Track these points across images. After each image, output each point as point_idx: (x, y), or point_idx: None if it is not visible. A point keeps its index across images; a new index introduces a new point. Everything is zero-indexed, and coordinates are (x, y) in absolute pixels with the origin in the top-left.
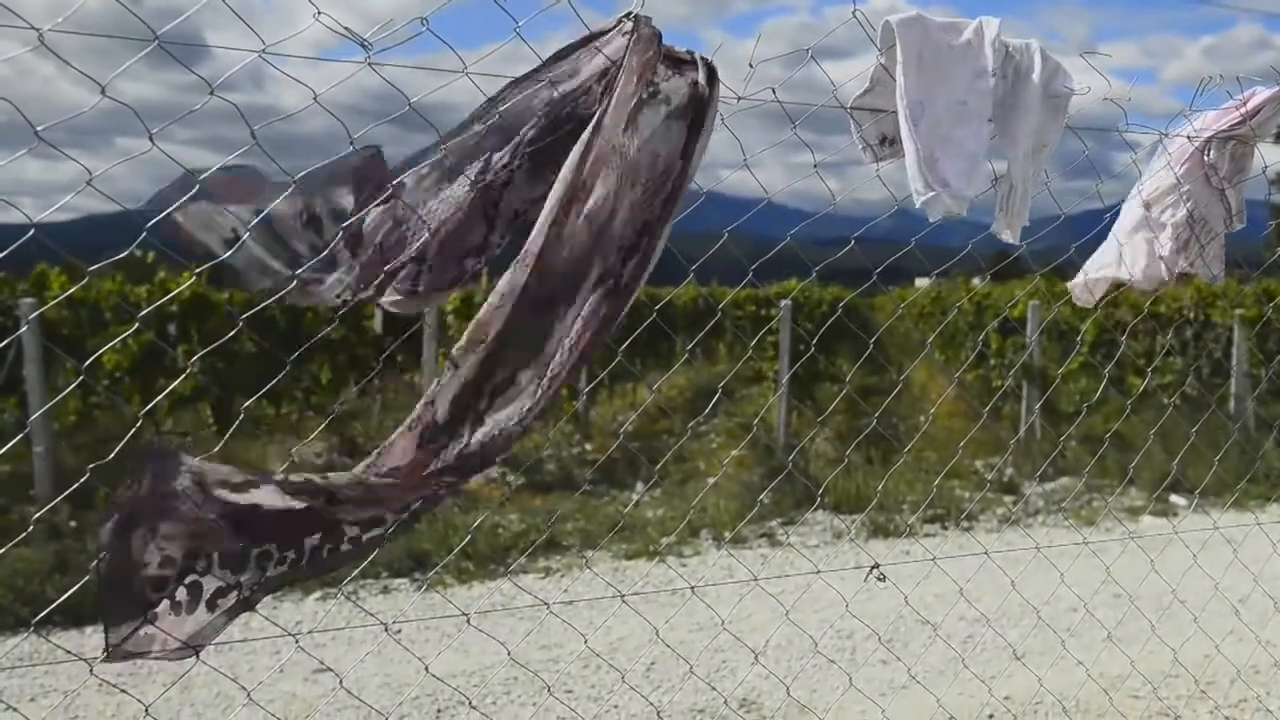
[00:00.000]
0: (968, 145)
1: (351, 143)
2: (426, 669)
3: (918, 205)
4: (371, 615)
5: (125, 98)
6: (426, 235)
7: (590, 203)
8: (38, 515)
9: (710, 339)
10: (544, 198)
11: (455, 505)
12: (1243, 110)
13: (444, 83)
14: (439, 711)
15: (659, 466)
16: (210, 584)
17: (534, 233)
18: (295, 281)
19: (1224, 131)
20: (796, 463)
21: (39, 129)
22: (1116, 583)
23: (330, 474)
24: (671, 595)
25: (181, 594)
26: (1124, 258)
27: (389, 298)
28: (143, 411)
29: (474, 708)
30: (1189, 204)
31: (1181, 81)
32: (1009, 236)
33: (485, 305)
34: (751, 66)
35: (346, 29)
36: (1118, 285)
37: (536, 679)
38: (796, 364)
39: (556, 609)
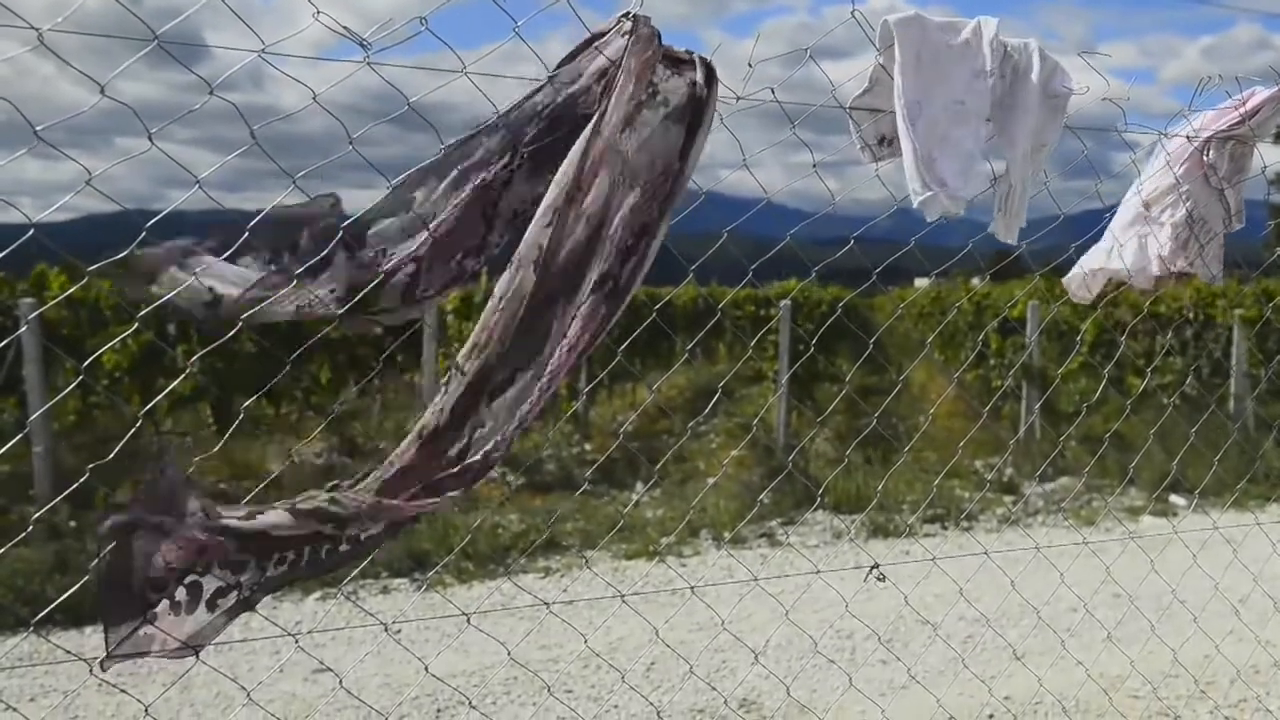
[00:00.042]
0: (965, 145)
1: (351, 142)
2: (426, 669)
3: (915, 205)
4: (371, 615)
5: (125, 97)
6: (425, 235)
7: (589, 204)
8: (37, 515)
9: (710, 339)
10: (543, 198)
11: (455, 505)
12: (1242, 110)
13: (443, 82)
14: (439, 711)
15: (659, 466)
16: (210, 584)
17: (528, 234)
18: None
19: (1223, 131)
20: (796, 463)
21: (39, 129)
22: (1116, 583)
23: (339, 498)
24: (671, 595)
25: (181, 594)
26: (1115, 252)
27: (388, 301)
28: (143, 411)
29: (474, 708)
30: (1188, 204)
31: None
32: (1007, 237)
33: (486, 309)
34: (750, 66)
35: (346, 29)
36: (1118, 285)
37: (536, 679)
38: (796, 364)
39: (556, 609)
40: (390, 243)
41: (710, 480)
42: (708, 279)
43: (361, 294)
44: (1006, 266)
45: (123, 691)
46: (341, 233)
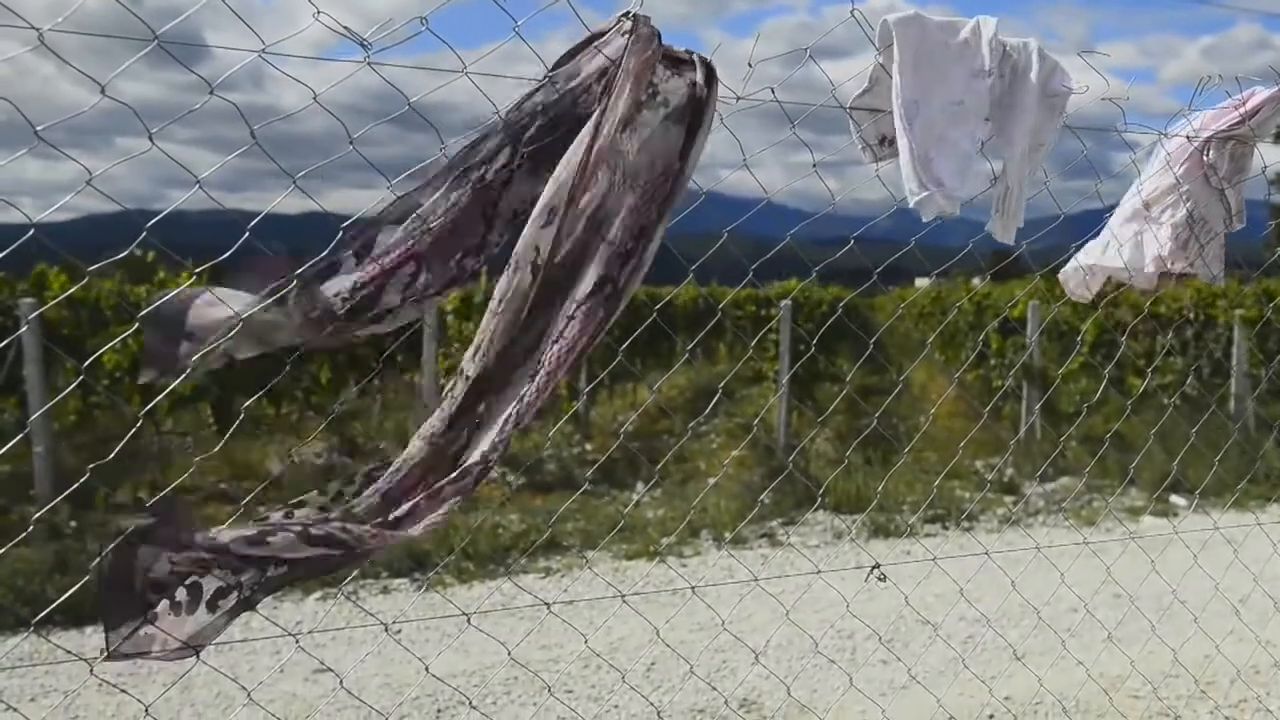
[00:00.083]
0: (963, 145)
1: (351, 142)
2: (427, 669)
3: (911, 205)
4: (372, 615)
5: (125, 97)
6: (424, 234)
7: (587, 204)
8: (38, 515)
9: (710, 339)
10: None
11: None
12: (1242, 110)
13: (443, 82)
14: (439, 711)
15: (659, 467)
16: (210, 584)
17: (525, 234)
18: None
19: (1223, 131)
20: (797, 463)
21: (39, 129)
22: (1117, 583)
23: (351, 528)
24: (672, 595)
25: (181, 594)
26: (1113, 248)
27: (388, 301)
28: (143, 411)
29: (474, 708)
30: (1188, 204)
31: (1180, 81)
32: (1004, 237)
33: (487, 311)
34: (750, 66)
35: (346, 29)
36: (1118, 285)
37: (537, 679)
38: (796, 364)
39: (557, 609)
40: (391, 244)
41: (711, 480)
42: (708, 279)
43: (362, 295)
44: (1007, 267)
45: (123, 691)
46: (342, 233)
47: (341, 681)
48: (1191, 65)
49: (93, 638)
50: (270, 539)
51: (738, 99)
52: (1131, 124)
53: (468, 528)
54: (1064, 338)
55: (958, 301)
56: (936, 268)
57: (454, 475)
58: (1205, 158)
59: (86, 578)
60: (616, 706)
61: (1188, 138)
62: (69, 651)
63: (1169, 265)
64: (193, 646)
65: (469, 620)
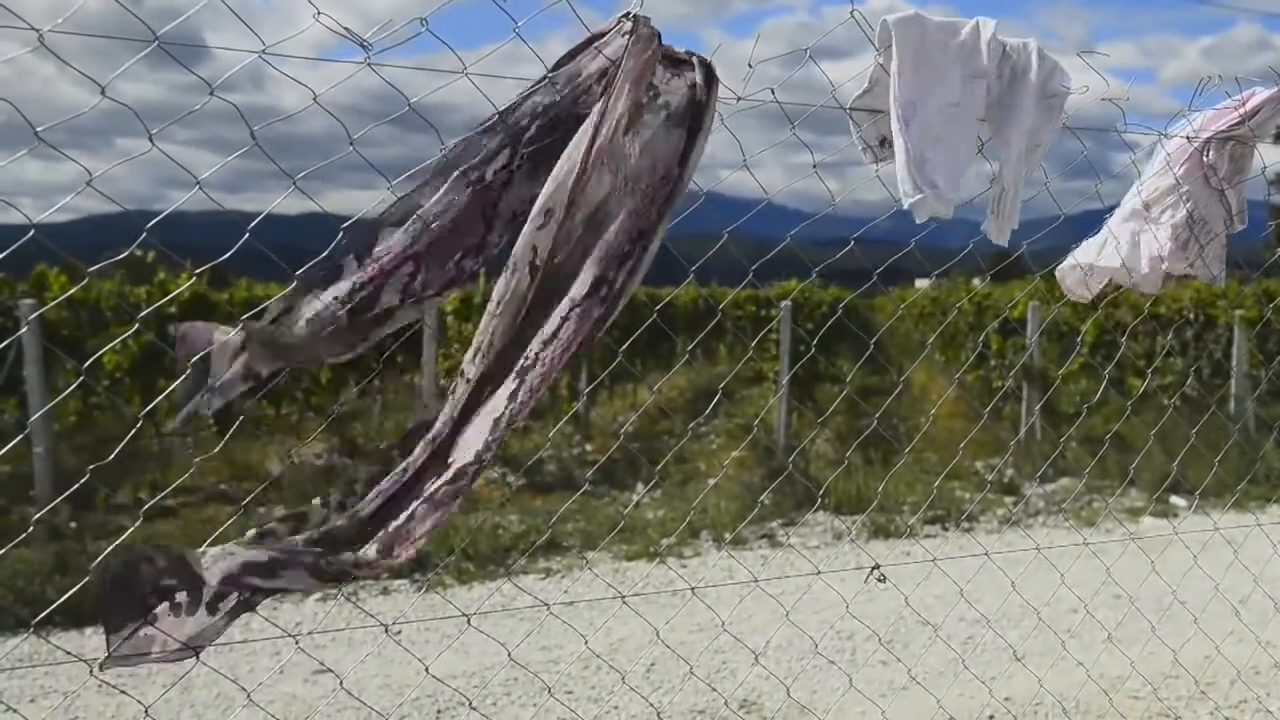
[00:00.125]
0: (959, 147)
1: (351, 143)
2: (427, 670)
3: (905, 206)
4: (371, 616)
5: (125, 98)
6: (424, 234)
7: (586, 204)
8: (38, 516)
9: (710, 340)
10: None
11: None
12: (1241, 111)
13: (444, 83)
14: (439, 712)
15: (659, 467)
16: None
17: (523, 235)
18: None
19: (1223, 132)
20: (797, 464)
21: (39, 129)
22: (1117, 584)
23: (359, 555)
24: (672, 596)
25: (181, 596)
26: (1110, 247)
27: (388, 301)
28: (143, 412)
29: (474, 709)
30: (1189, 204)
31: (1180, 82)
32: (999, 239)
33: (485, 313)
34: (750, 66)
35: (346, 29)
36: (1117, 286)
37: (537, 680)
38: (797, 365)
39: (557, 610)
40: (390, 244)
41: (711, 481)
42: (708, 279)
43: (361, 295)
44: (1007, 267)
45: (123, 692)
46: (342, 234)
47: (341, 682)
48: (1191, 65)
49: (93, 639)
50: (283, 571)
51: (738, 99)
52: (1131, 124)
53: (468, 529)
54: (1064, 338)
55: (958, 302)
56: (936, 268)
57: (449, 477)
58: (1205, 158)
59: (86, 579)
60: (616, 707)
61: (1188, 138)
62: (69, 652)
63: (1168, 266)
64: (193, 647)
65: (469, 621)
